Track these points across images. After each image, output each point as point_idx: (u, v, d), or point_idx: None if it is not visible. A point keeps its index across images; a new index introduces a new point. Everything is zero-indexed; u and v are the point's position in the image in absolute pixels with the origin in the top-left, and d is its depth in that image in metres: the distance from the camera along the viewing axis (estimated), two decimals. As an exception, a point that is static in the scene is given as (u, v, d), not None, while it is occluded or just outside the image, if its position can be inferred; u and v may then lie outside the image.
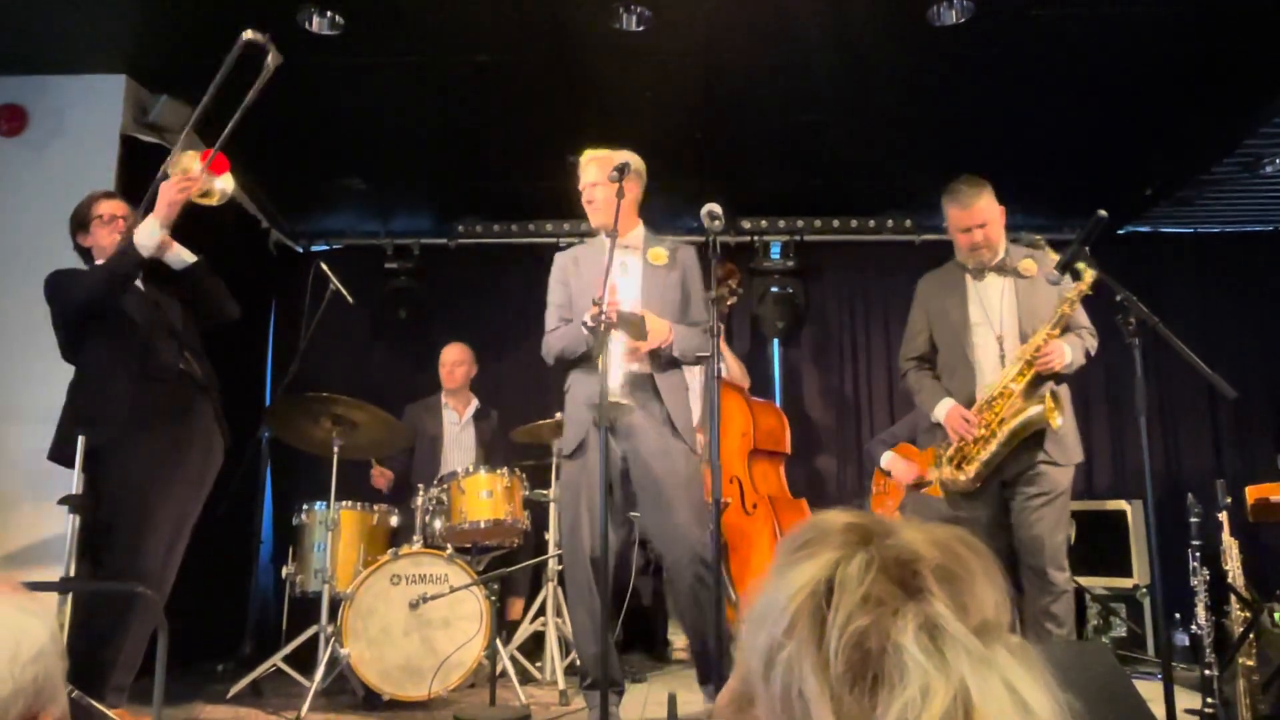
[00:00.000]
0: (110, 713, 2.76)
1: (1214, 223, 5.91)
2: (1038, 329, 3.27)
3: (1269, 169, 5.02)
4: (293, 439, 4.21)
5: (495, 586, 3.71)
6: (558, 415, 4.37)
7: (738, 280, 5.28)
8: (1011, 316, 3.35)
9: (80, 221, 3.25)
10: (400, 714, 3.58)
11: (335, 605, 3.75)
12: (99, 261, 3.23)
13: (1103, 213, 2.91)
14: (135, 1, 3.83)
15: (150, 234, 3.10)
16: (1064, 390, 3.33)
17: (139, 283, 3.23)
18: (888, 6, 3.75)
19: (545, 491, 4.31)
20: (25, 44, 4.09)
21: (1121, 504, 5.01)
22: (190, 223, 3.27)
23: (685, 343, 3.18)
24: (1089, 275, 3.10)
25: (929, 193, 5.71)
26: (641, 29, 3.82)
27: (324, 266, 4.43)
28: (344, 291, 4.40)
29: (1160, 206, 5.59)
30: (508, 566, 4.08)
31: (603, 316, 2.89)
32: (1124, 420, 5.60)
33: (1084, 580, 4.71)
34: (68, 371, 3.23)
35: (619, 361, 3.11)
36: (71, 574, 2.93)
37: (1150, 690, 2.50)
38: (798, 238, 6.00)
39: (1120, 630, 4.92)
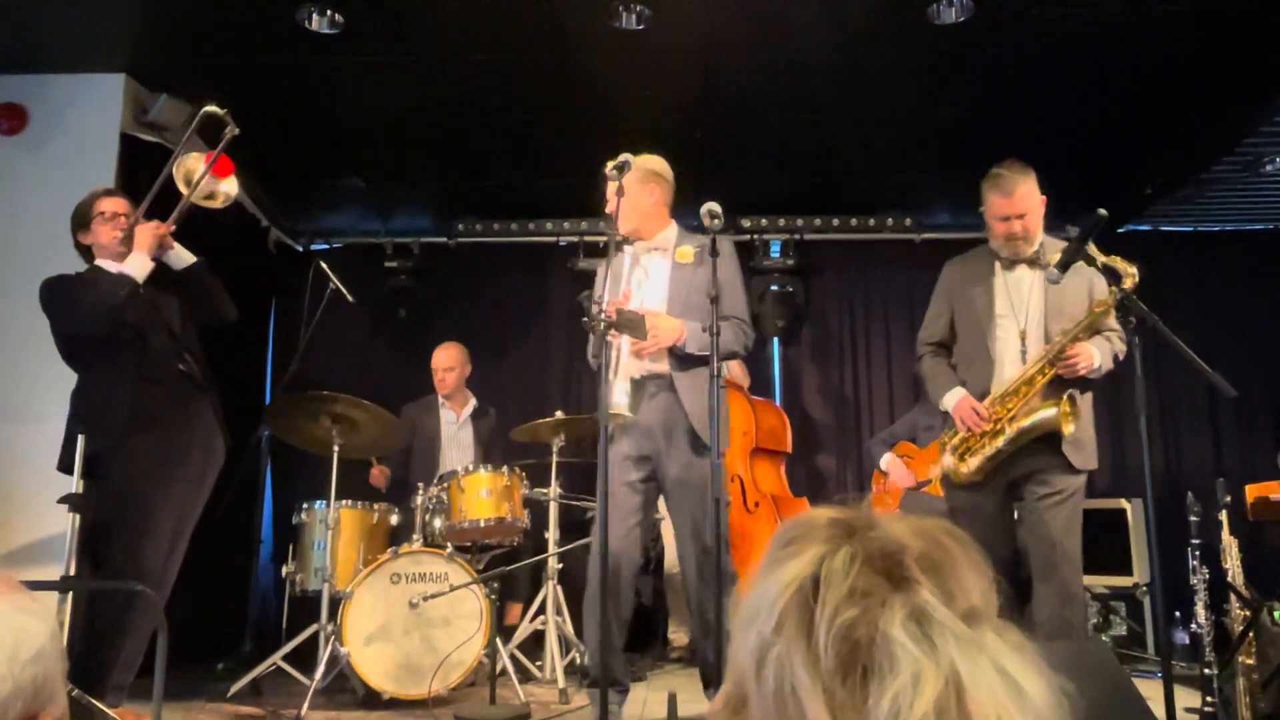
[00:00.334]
0: (110, 712, 2.77)
1: (1214, 221, 5.91)
2: (1064, 328, 3.11)
3: (1269, 167, 5.02)
4: (293, 438, 4.21)
5: (495, 585, 3.71)
6: (558, 414, 4.38)
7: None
8: (1038, 312, 3.19)
9: (82, 219, 3.25)
10: (400, 713, 3.58)
11: (335, 604, 3.75)
12: (99, 260, 3.24)
13: (1103, 211, 2.87)
14: (135, 1, 3.83)
15: (142, 266, 3.15)
16: (1086, 398, 3.17)
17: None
18: (888, 5, 3.75)
19: (545, 490, 4.31)
20: (25, 43, 4.09)
21: (1121, 502, 5.01)
22: (190, 221, 3.28)
23: (704, 339, 3.15)
24: (1130, 277, 2.88)
25: (929, 192, 5.76)
26: (641, 28, 3.82)
27: (324, 265, 4.43)
28: (344, 290, 4.40)
29: (1160, 205, 5.59)
30: (508, 565, 4.08)
31: (601, 317, 2.89)
32: (1124, 419, 5.60)
33: (1084, 579, 4.70)
34: (67, 371, 3.23)
35: (630, 362, 3.09)
36: (71, 573, 2.94)
37: (1150, 689, 2.51)
38: (797, 237, 6.00)
39: (1120, 629, 4.92)
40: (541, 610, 4.24)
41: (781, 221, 6.00)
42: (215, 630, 4.58)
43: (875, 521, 0.71)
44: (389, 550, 3.83)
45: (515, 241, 6.12)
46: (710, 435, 2.86)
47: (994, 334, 3.24)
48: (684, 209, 3.35)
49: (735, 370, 5.28)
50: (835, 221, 6.02)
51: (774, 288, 5.91)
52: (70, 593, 2.93)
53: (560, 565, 4.25)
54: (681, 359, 3.13)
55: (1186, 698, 3.21)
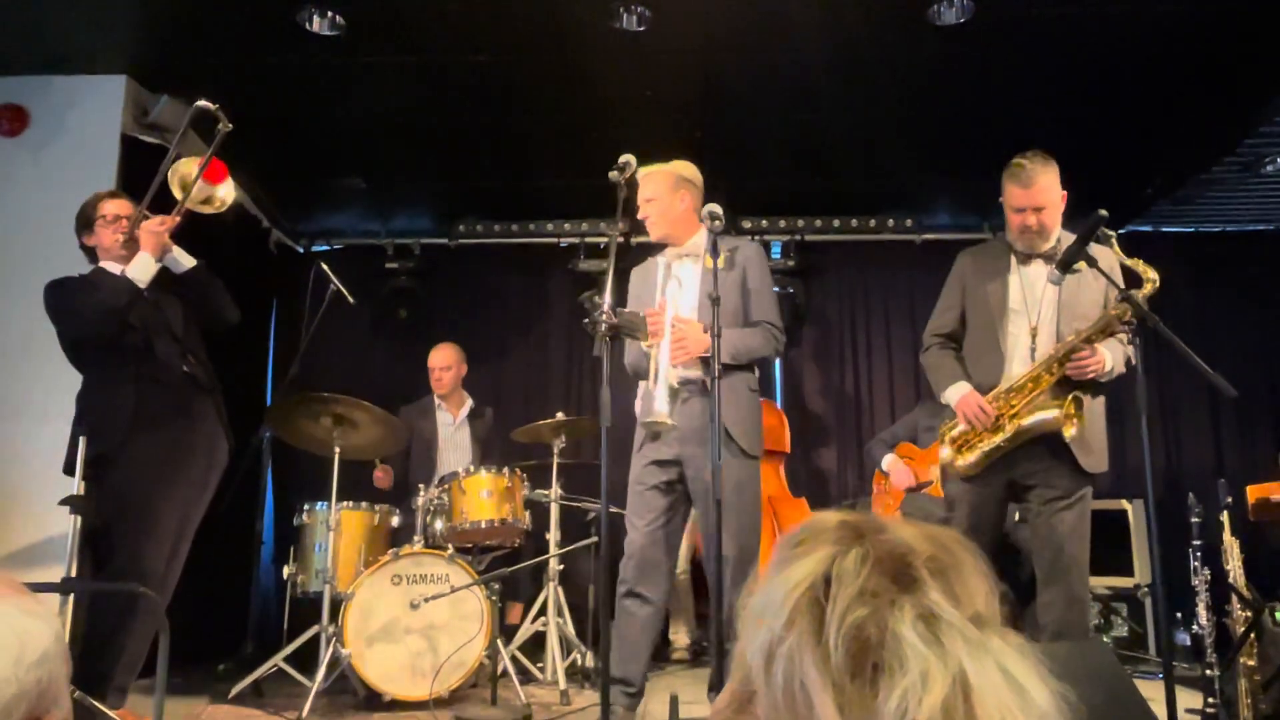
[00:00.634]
0: (112, 713, 2.77)
1: (1214, 222, 5.91)
2: (1077, 328, 3.03)
3: (1269, 168, 5.02)
4: (293, 439, 4.21)
5: (496, 586, 3.71)
6: (559, 415, 4.38)
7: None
8: (1051, 309, 3.11)
9: (85, 221, 3.26)
10: (401, 714, 3.58)
11: (336, 605, 3.75)
12: (102, 262, 3.24)
13: (1103, 212, 2.86)
14: (135, 1, 3.83)
15: (145, 268, 3.15)
16: (1098, 401, 3.12)
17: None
18: (888, 5, 3.75)
19: (546, 491, 4.31)
20: (26, 44, 4.09)
21: (1122, 503, 5.01)
22: (191, 223, 3.28)
23: (737, 344, 3.15)
24: (1150, 282, 2.84)
25: (929, 192, 5.76)
26: (641, 29, 3.82)
27: (324, 266, 4.43)
28: (344, 291, 4.40)
29: (1160, 205, 5.59)
30: (509, 567, 4.08)
31: (601, 320, 2.90)
32: (1125, 419, 5.60)
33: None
34: (68, 370, 3.24)
35: (669, 369, 3.09)
36: (73, 575, 2.94)
37: (1152, 690, 2.50)
38: (798, 237, 6.00)
39: (1121, 630, 4.92)
40: (543, 612, 4.24)
41: (782, 222, 6.00)
42: (216, 632, 4.58)
43: (884, 525, 0.72)
44: (390, 552, 3.83)
45: (515, 242, 6.12)
46: (711, 435, 2.86)
47: (1006, 329, 3.16)
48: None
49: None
50: (836, 222, 6.02)
51: (774, 288, 5.90)
52: (71, 594, 2.93)
53: (561, 567, 4.25)
54: (711, 365, 3.15)
55: (1188, 699, 3.21)
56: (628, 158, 3.03)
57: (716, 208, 2.96)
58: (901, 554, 0.69)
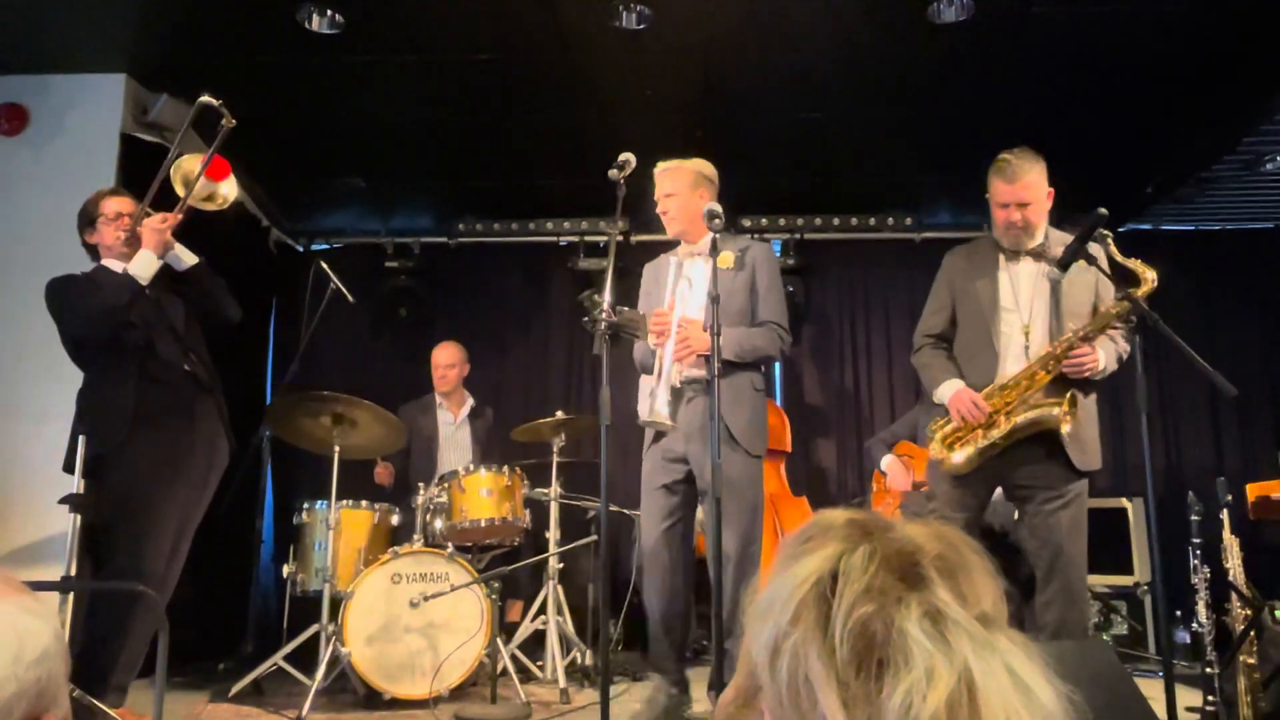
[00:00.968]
0: (112, 712, 2.77)
1: (1214, 220, 5.91)
2: (1071, 326, 3.03)
3: (1269, 166, 5.02)
4: (293, 438, 4.21)
5: (496, 585, 3.71)
6: (559, 414, 4.38)
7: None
8: (1042, 306, 3.10)
9: (87, 218, 3.26)
10: (401, 713, 3.58)
11: (336, 604, 3.75)
12: (104, 260, 3.24)
13: (1103, 210, 2.86)
14: (135, 1, 3.83)
15: (147, 265, 3.15)
16: (1090, 399, 3.12)
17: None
18: (888, 5, 3.75)
19: (545, 490, 4.31)
20: (25, 43, 4.09)
21: (1122, 501, 5.01)
22: (191, 221, 3.28)
23: (741, 344, 3.14)
24: (1149, 280, 2.84)
25: (929, 191, 5.76)
26: (641, 28, 3.82)
27: (324, 265, 4.43)
28: (344, 290, 4.40)
29: (1161, 204, 5.59)
30: (508, 565, 4.08)
31: (601, 318, 2.90)
32: (1124, 417, 5.60)
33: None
34: (69, 369, 3.23)
35: (673, 369, 3.10)
36: (72, 574, 2.94)
37: (1151, 688, 2.51)
38: (798, 236, 6.00)
39: (1121, 628, 4.92)
40: (542, 610, 4.24)
41: (782, 221, 6.00)
42: (216, 630, 4.58)
43: (892, 524, 0.73)
44: (390, 550, 3.83)
45: (515, 241, 6.12)
46: (710, 435, 2.85)
47: (998, 327, 3.16)
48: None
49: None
50: (836, 221, 6.02)
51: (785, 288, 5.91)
52: (71, 593, 2.93)
53: (561, 565, 4.25)
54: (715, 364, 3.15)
55: (1188, 697, 3.21)
56: (627, 156, 3.02)
57: (716, 206, 2.96)
58: (909, 552, 0.69)
